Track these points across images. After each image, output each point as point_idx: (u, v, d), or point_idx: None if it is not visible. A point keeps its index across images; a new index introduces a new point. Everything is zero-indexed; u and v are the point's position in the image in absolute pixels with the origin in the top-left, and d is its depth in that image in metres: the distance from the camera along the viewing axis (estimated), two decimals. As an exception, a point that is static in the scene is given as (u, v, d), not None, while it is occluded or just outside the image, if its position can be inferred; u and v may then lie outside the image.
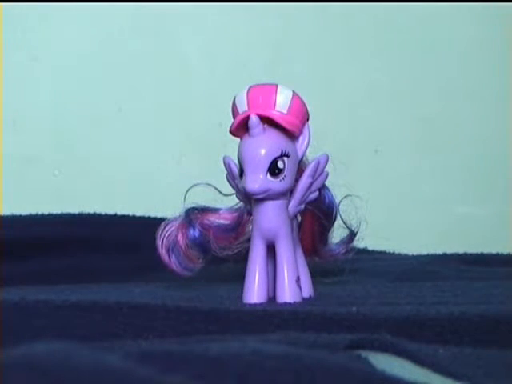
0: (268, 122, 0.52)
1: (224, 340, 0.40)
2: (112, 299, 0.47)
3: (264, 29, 0.88)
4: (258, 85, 0.52)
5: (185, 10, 0.86)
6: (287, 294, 0.53)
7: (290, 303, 0.52)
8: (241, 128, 0.52)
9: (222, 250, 0.53)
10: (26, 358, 0.27)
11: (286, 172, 0.51)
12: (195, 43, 0.87)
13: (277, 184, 0.51)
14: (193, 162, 0.86)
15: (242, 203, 0.54)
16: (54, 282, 0.65)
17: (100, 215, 0.78)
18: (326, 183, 0.55)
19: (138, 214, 0.80)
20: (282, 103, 0.51)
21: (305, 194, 0.54)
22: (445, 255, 0.79)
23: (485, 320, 0.43)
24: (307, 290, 0.55)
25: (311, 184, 0.54)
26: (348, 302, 0.51)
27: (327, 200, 0.56)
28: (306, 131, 0.53)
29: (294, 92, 0.52)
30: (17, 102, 0.85)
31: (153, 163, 0.86)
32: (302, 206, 0.54)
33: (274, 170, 0.51)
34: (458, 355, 0.38)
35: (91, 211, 0.78)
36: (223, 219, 0.53)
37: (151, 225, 0.55)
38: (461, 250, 0.79)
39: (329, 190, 0.56)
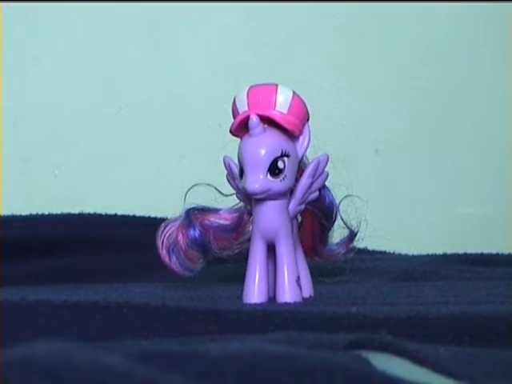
0: (268, 121, 0.51)
1: (224, 340, 0.40)
2: (112, 299, 0.47)
3: (264, 29, 0.88)
4: (258, 85, 0.52)
5: (185, 10, 0.86)
6: (287, 294, 0.53)
7: (289, 303, 0.52)
8: (241, 128, 0.52)
9: (222, 250, 0.53)
10: (26, 358, 0.27)
11: (286, 172, 0.51)
12: (195, 43, 0.87)
13: (277, 184, 0.51)
14: (193, 163, 0.86)
15: (242, 203, 0.54)
16: (54, 282, 0.65)
17: (100, 215, 0.78)
18: (326, 183, 0.55)
19: (138, 214, 0.80)
20: (282, 103, 0.51)
21: (305, 194, 0.54)
22: (445, 255, 0.79)
23: (485, 320, 0.43)
24: (307, 290, 0.55)
25: (311, 184, 0.54)
26: (348, 302, 0.51)
27: (327, 200, 0.56)
28: (306, 131, 0.53)
29: (294, 92, 0.52)
30: (17, 102, 0.85)
31: (153, 163, 0.86)
32: (302, 206, 0.54)
33: (274, 170, 0.51)
34: (458, 355, 0.38)
35: (91, 211, 0.78)
36: (223, 219, 0.53)
37: (151, 225, 0.55)
38: (461, 250, 0.79)
39: (329, 190, 0.56)
